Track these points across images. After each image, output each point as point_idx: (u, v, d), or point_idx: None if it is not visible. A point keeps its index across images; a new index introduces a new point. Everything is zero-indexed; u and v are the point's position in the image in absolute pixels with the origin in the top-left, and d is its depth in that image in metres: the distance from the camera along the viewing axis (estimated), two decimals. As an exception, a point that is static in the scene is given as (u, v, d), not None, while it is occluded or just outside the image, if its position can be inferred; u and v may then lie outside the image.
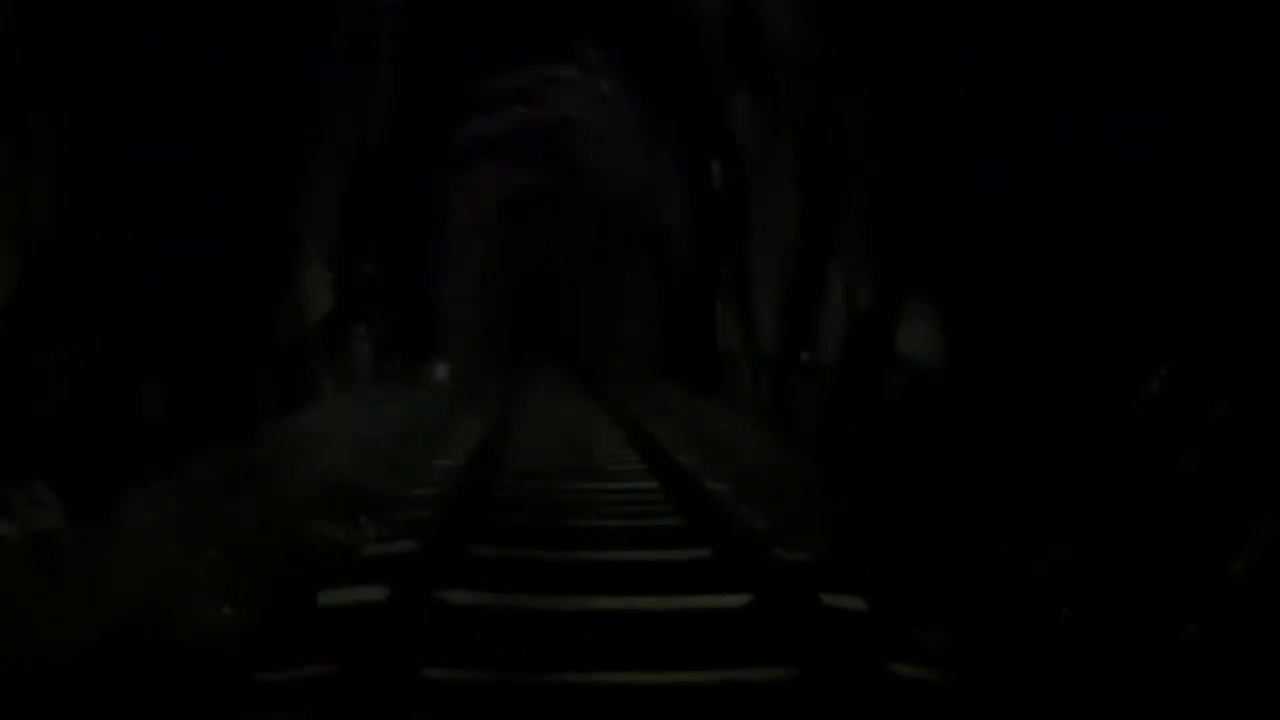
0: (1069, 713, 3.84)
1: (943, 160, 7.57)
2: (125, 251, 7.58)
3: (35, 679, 3.74)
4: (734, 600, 4.85)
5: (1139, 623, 4.35)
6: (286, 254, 12.11)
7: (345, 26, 13.59)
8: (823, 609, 4.61)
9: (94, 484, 6.08)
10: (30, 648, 3.95)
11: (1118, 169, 5.75)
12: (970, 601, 4.98)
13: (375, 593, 4.80)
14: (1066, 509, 5.48)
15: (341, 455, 9.27)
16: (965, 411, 7.13)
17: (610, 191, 25.17)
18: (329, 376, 14.54)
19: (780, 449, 9.83)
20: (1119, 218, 5.84)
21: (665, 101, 18.18)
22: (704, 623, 4.64)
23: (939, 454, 7.28)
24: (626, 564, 5.59)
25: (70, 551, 4.98)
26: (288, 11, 11.09)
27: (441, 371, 20.14)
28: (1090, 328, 5.98)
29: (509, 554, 5.74)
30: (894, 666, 3.95)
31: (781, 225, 11.66)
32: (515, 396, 17.17)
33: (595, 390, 18.68)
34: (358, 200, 15.80)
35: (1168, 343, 5.14)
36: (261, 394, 11.14)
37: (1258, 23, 4.64)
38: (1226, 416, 4.54)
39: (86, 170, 6.94)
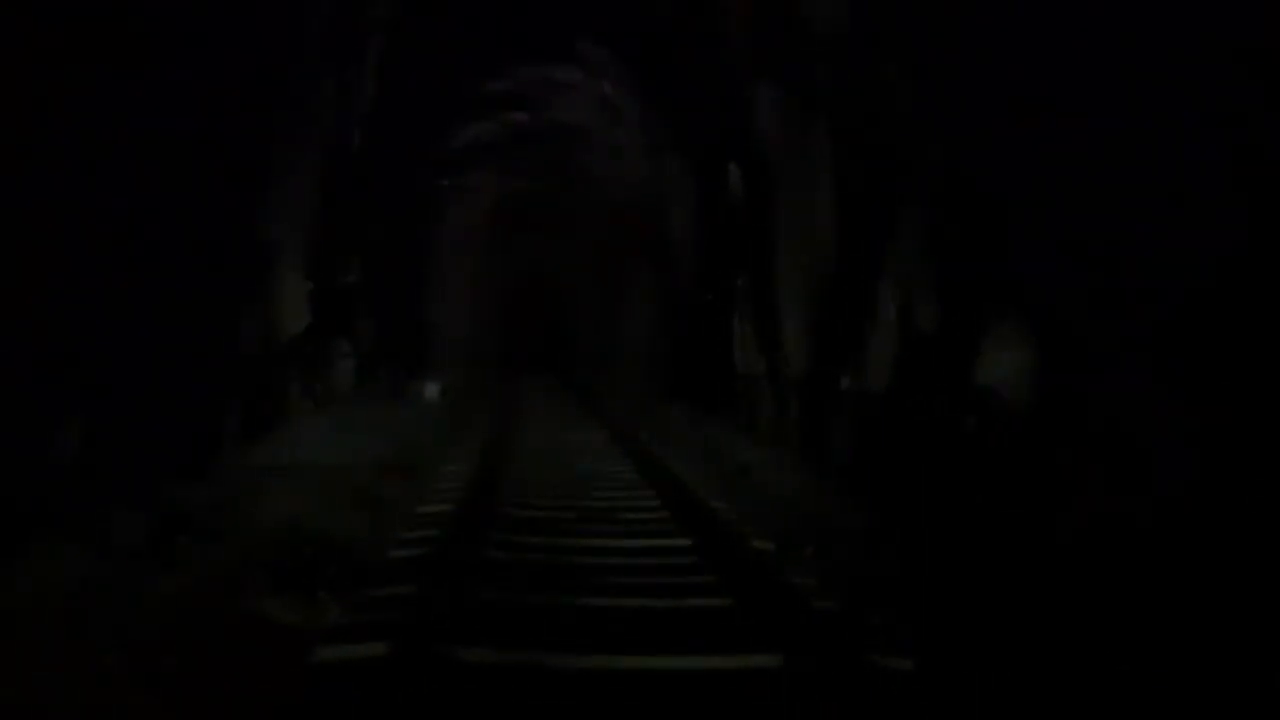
0: None
1: (1036, 147, 6.21)
2: (36, 252, 6.22)
3: None
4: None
5: None
6: (253, 259, 10.73)
7: (320, 18, 12.21)
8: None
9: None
10: None
11: None
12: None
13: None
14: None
15: (308, 494, 7.88)
16: (1069, 460, 5.76)
17: (612, 199, 23.87)
18: (304, 397, 13.14)
19: (819, 490, 8.44)
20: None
21: (675, 101, 16.85)
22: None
23: (1033, 510, 5.91)
24: (664, 677, 4.19)
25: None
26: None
27: (431, 389, 18.75)
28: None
29: (507, 660, 4.34)
30: None
31: (814, 232, 10.28)
32: (511, 418, 15.75)
33: (598, 411, 17.28)
34: (339, 204, 14.43)
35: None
36: (221, 420, 9.74)
37: None
38: None
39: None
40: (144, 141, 8.59)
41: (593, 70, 20.07)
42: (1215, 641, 4.18)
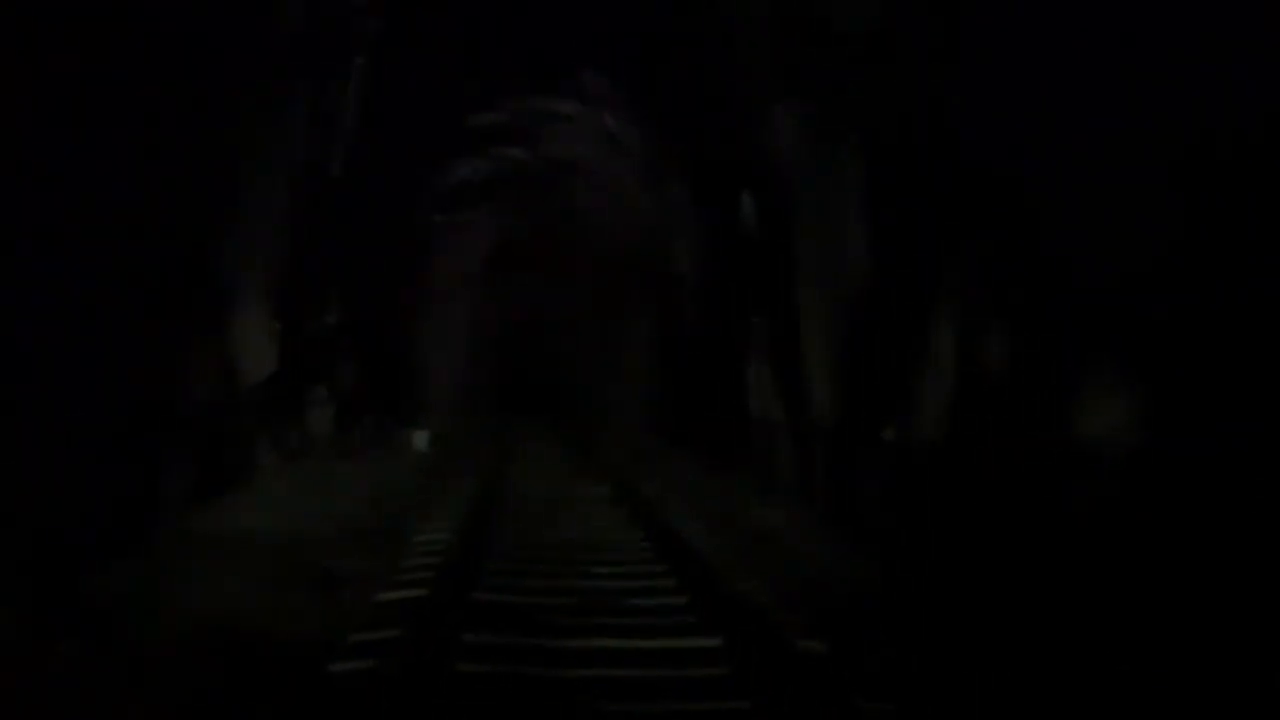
0: None
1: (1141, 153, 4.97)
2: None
3: None
4: None
5: None
6: (204, 294, 9.46)
7: (289, 29, 11.01)
8: None
9: None
10: None
11: None
12: None
13: None
14: None
15: (251, 574, 6.56)
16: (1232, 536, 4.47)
17: (613, 237, 22.72)
18: (270, 451, 11.82)
19: (860, 563, 7.12)
20: None
21: (681, 128, 15.67)
22: None
23: (1160, 606, 4.61)
24: None
25: None
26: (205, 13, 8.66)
27: (420, 439, 17.43)
28: None
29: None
30: None
31: (844, 261, 9.03)
32: (504, 471, 14.42)
33: (598, 462, 15.95)
34: (314, 236, 13.19)
35: None
36: (158, 481, 8.43)
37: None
38: None
39: None
40: (73, 156, 7.41)
41: (591, 100, 19.03)
42: None
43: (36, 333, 6.68)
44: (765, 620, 5.44)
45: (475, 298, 26.95)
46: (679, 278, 17.66)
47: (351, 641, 5.19)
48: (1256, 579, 4.27)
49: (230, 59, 9.51)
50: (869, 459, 8.24)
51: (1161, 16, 5.12)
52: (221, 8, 9.22)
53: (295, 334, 12.59)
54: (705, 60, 13.29)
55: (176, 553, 7.21)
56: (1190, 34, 4.97)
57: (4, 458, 5.96)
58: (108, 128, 7.64)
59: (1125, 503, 4.93)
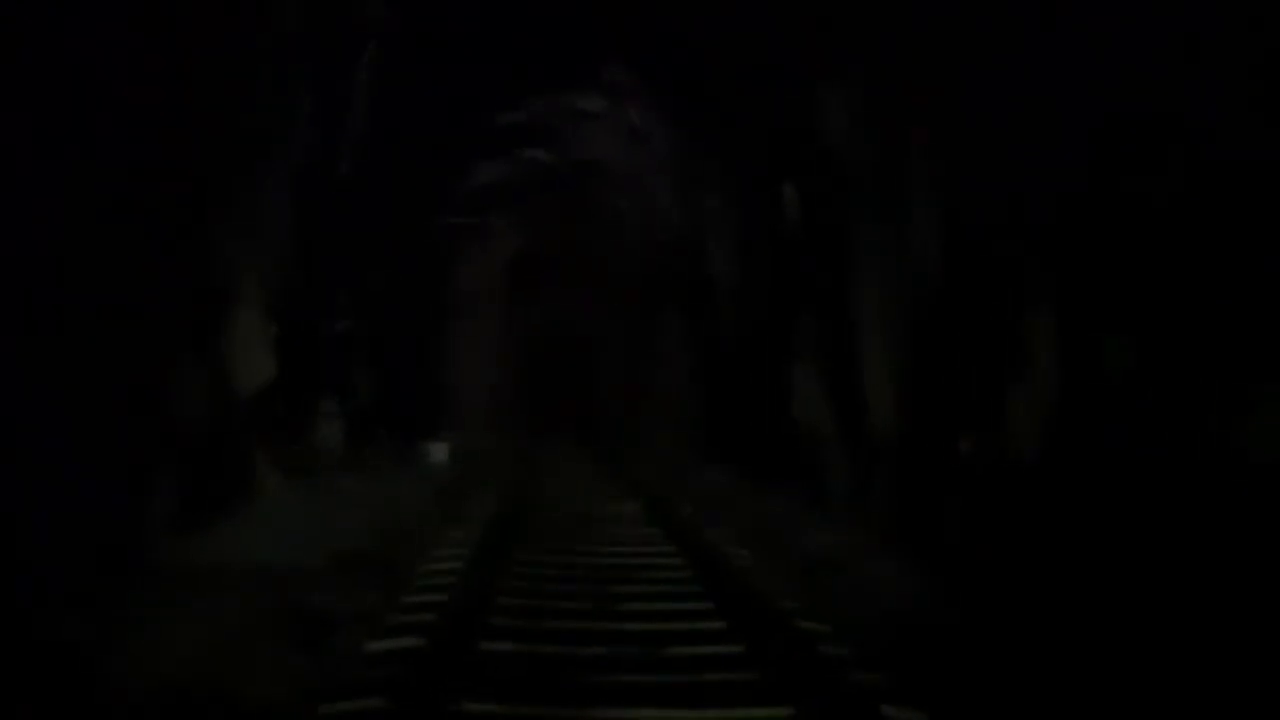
0: None
1: None
2: None
3: None
4: None
5: None
6: (196, 297, 8.49)
7: (290, 12, 10.05)
8: None
9: None
10: None
11: None
12: None
13: None
14: None
15: (225, 617, 5.55)
16: None
17: (642, 240, 21.74)
18: (273, 469, 10.81)
19: (943, 598, 6.03)
20: None
21: (717, 119, 14.63)
22: None
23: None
24: None
25: None
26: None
27: (439, 453, 16.43)
28: None
29: None
30: None
31: (909, 252, 7.96)
32: (527, 487, 13.38)
33: (629, 477, 14.89)
34: (321, 238, 12.23)
35: None
36: (139, 506, 7.45)
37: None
38: None
39: None
40: (47, 147, 6.51)
41: (616, 95, 18.11)
42: None
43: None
44: (840, 677, 4.36)
45: (500, 307, 26.01)
46: (715, 280, 16.63)
47: (330, 712, 4.16)
48: None
49: (220, 38, 8.56)
50: (943, 476, 7.16)
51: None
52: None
53: (301, 341, 11.62)
54: (743, 39, 12.27)
55: (146, 591, 6.20)
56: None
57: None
58: (80, 112, 6.72)
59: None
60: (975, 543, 6.50)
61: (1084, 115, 5.45)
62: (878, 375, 8.60)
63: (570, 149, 20.60)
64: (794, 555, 7.73)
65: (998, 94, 6.42)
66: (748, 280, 14.36)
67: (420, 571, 7.13)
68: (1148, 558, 4.74)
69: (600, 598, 6.32)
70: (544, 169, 21.48)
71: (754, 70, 12.23)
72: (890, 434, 8.44)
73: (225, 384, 9.33)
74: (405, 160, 15.92)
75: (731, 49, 12.95)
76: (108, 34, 6.90)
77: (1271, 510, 4.02)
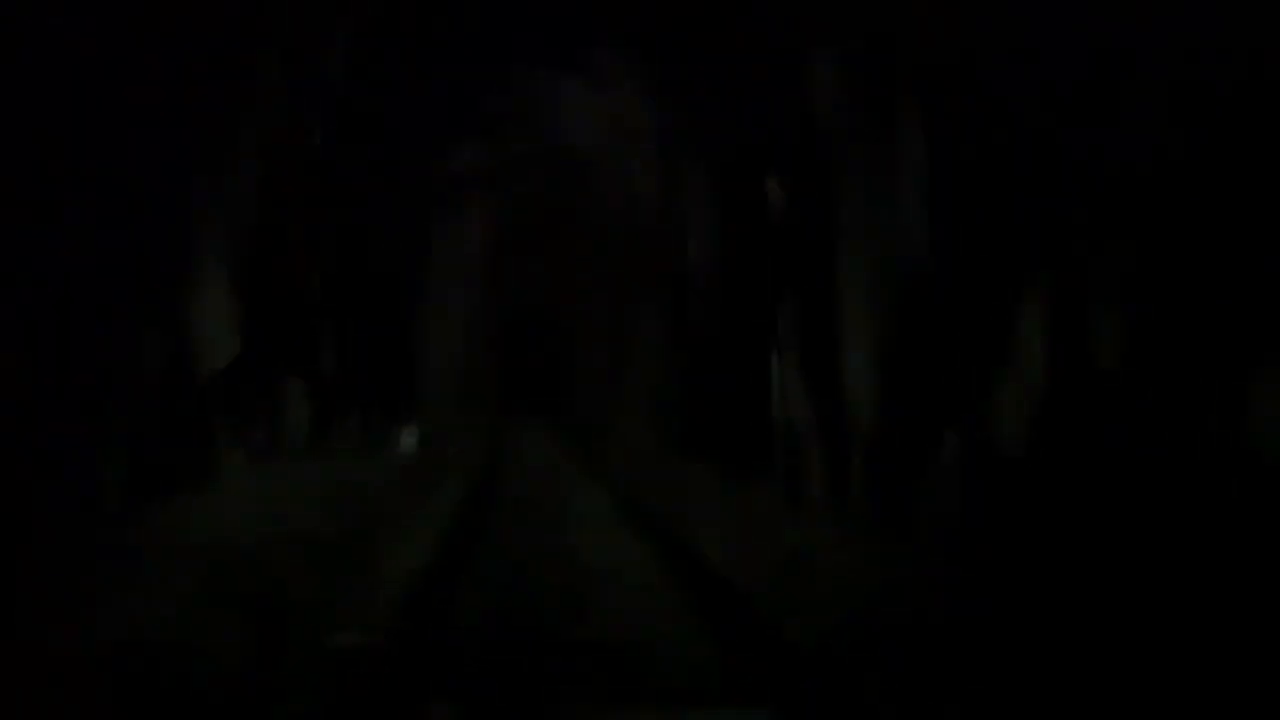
0: None
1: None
2: None
3: None
4: None
5: None
6: (154, 267, 8.17)
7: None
8: None
9: None
10: None
11: None
12: None
13: None
14: None
15: (181, 594, 5.27)
16: None
17: (622, 225, 21.49)
18: (236, 448, 10.50)
19: (926, 595, 5.79)
20: None
21: (701, 107, 14.38)
22: None
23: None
24: None
25: None
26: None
27: (408, 439, 16.12)
28: None
29: None
30: None
31: (895, 239, 7.72)
32: (496, 475, 13.10)
33: (602, 468, 14.63)
34: (289, 210, 11.91)
35: None
36: (98, 479, 7.15)
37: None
38: None
39: None
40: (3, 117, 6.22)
41: (598, 79, 17.88)
42: None
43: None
44: (826, 679, 4.12)
45: (476, 290, 25.72)
46: (694, 267, 16.39)
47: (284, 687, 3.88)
48: None
49: (186, 10, 8.26)
50: (926, 468, 6.93)
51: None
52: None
53: (268, 320, 11.31)
54: (727, 20, 12.02)
55: (102, 564, 5.92)
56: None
57: None
58: (36, 81, 6.42)
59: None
60: (953, 536, 6.27)
61: (1081, 93, 5.22)
62: (858, 366, 8.37)
63: (551, 134, 20.39)
64: (766, 548, 7.48)
65: (992, 68, 6.19)
66: (727, 266, 14.12)
67: (385, 564, 6.84)
68: (1141, 553, 4.51)
69: (566, 599, 6.05)
70: (524, 153, 21.26)
71: (741, 41, 11.98)
72: (872, 427, 8.21)
73: (186, 361, 9.03)
74: (381, 134, 15.66)
75: (717, 26, 12.70)
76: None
77: (1271, 508, 3.80)
